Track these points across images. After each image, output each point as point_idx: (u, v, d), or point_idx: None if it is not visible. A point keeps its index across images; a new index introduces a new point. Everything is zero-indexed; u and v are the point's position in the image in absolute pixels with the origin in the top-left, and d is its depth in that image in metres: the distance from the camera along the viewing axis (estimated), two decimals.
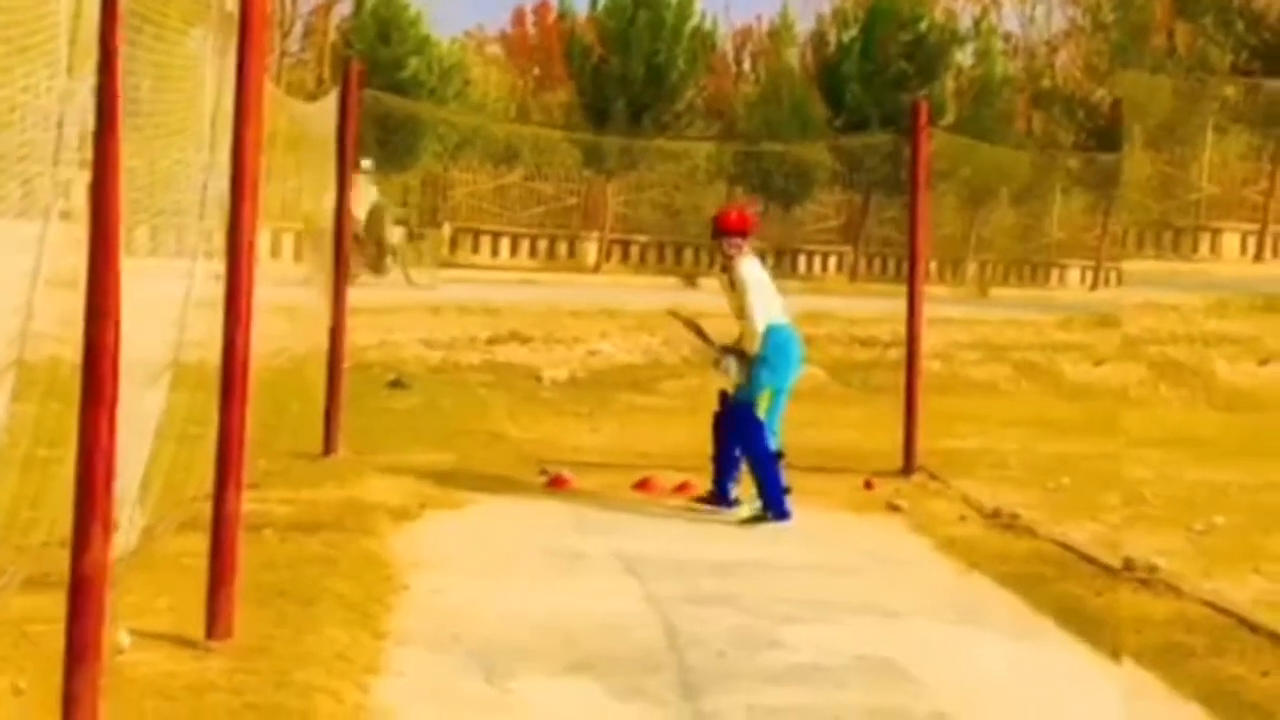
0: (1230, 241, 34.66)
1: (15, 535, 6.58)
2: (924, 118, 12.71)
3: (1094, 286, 36.85)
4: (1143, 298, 25.29)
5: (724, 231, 10.65)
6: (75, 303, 5.58)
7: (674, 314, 11.70)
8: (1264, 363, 19.39)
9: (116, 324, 5.52)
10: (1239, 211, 34.97)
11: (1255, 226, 34.37)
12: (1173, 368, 19.10)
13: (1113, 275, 37.05)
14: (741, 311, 10.46)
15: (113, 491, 5.57)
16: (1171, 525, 10.05)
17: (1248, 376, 18.87)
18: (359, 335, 13.81)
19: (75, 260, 5.57)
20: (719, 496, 10.60)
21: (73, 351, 5.59)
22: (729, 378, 10.57)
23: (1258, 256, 33.98)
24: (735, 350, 10.52)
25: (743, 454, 10.45)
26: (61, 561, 5.74)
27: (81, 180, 5.53)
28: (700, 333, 11.02)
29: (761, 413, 10.34)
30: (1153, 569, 8.51)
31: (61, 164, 5.57)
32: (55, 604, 5.78)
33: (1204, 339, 21.12)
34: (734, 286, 10.50)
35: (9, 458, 5.77)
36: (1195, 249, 34.24)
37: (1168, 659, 7.02)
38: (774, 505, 10.26)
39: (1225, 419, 16.23)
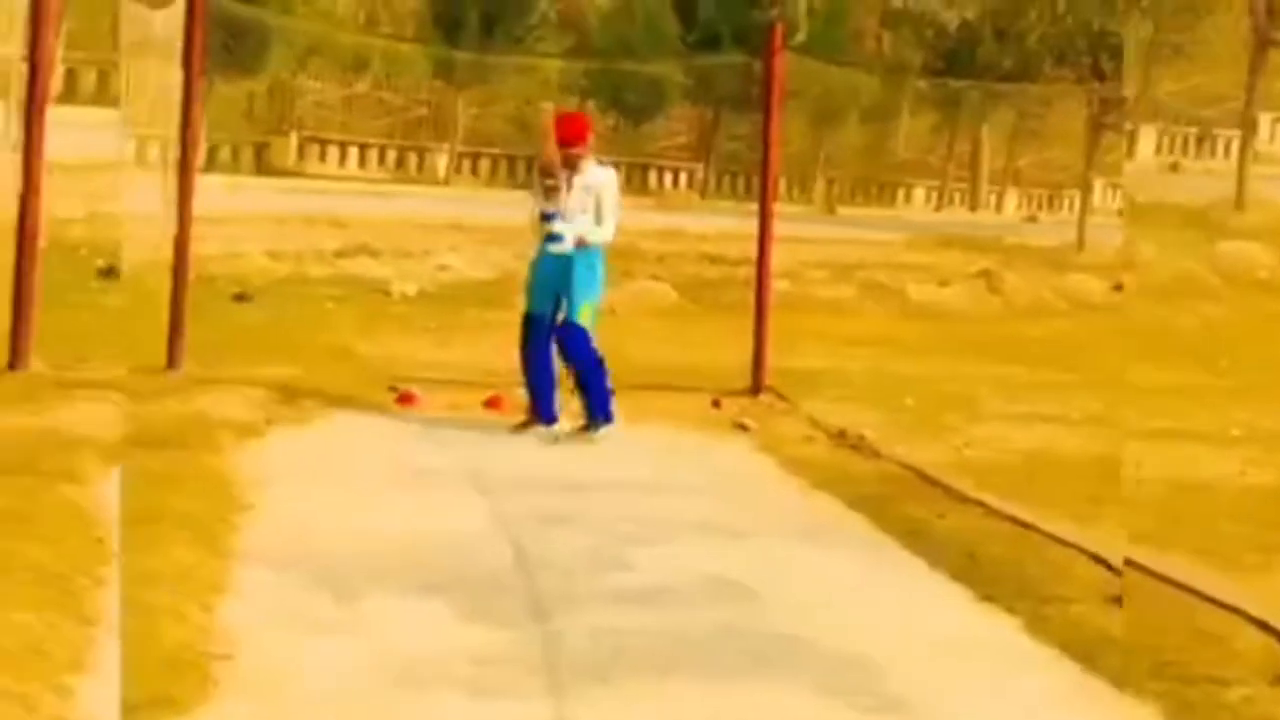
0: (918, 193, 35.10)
1: None
2: (779, 40, 12.73)
3: (939, 207, 37.29)
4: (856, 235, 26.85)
5: (569, 142, 10.37)
6: None
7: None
8: (944, 284, 21.47)
9: None
10: (925, 171, 35.62)
11: (937, 183, 35.02)
12: (878, 287, 20.87)
13: (956, 195, 37.49)
14: (594, 214, 10.30)
15: None
16: (877, 407, 11.69)
17: (931, 294, 20.84)
18: (202, 246, 13.54)
19: None
20: (544, 416, 10.48)
21: None
22: (569, 234, 10.26)
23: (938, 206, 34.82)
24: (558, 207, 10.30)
25: (576, 366, 10.37)
26: None
27: None
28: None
29: (587, 322, 10.32)
30: (861, 438, 10.47)
31: None
32: None
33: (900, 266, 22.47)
34: (586, 190, 10.30)
35: None
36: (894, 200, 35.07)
37: (875, 505, 8.59)
38: (604, 409, 10.26)
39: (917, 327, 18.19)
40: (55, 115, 10.34)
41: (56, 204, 11.16)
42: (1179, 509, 8.76)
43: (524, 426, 10.50)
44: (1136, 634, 6.28)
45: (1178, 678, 5.85)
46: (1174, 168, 34.36)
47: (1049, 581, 7.09)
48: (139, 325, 11.92)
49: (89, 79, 27.16)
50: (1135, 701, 5.72)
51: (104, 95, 24.40)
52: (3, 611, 5.52)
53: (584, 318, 10.35)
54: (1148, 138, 34.58)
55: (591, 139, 10.53)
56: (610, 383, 10.41)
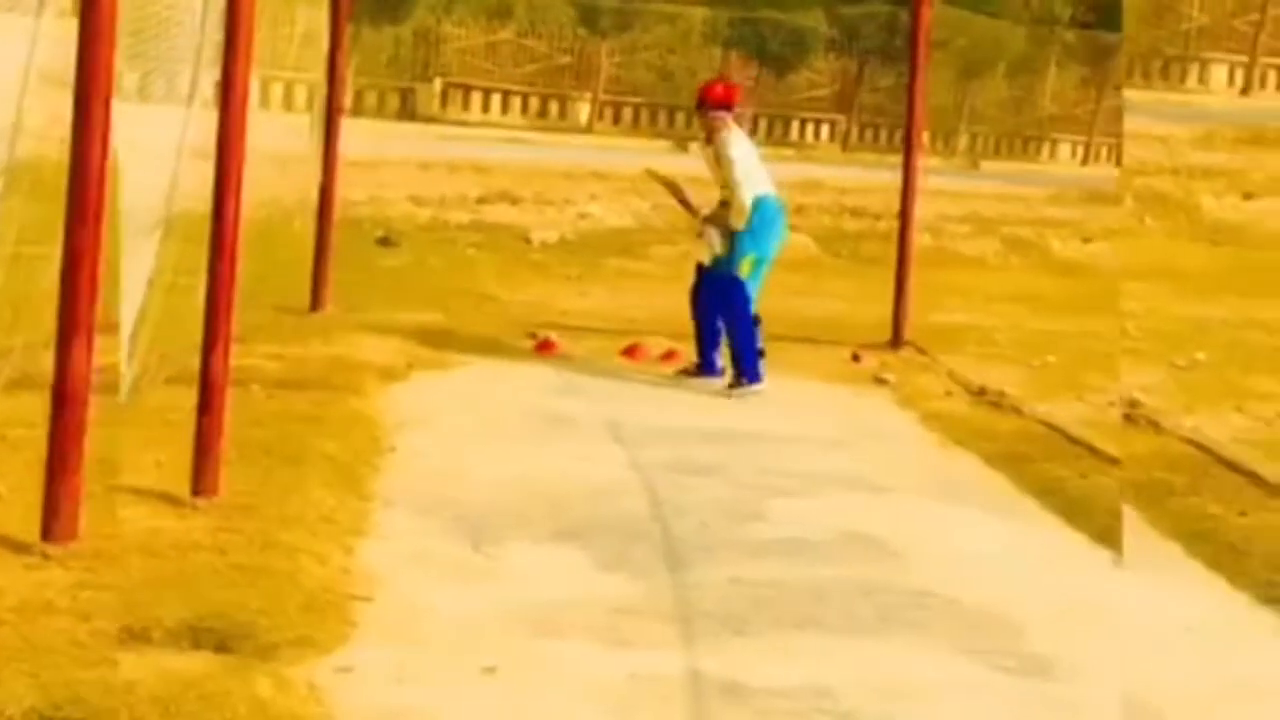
0: (1218, 73, 34.32)
1: None
2: None
3: (1085, 161, 36.68)
4: (1132, 128, 24.70)
5: (708, 104, 10.55)
6: (65, 101, 5.50)
7: (652, 173, 11.49)
8: (1249, 196, 19.12)
9: (105, 131, 5.48)
10: (1228, 42, 34.54)
11: (1244, 58, 34.05)
12: (1158, 200, 18.83)
13: (1104, 150, 36.85)
14: (726, 186, 10.40)
15: (96, 300, 5.56)
16: (1155, 360, 9.92)
17: (1233, 210, 18.63)
18: (348, 190, 13.66)
19: (67, 58, 5.49)
20: (705, 367, 10.58)
21: (58, 151, 5.52)
22: (710, 249, 10.49)
23: (1245, 89, 33.71)
24: (718, 222, 10.45)
25: (724, 318, 10.40)
26: (44, 362, 5.70)
27: None
28: (680, 196, 10.91)
29: (745, 275, 10.33)
30: (1134, 404, 8.40)
31: None
32: (37, 407, 5.75)
33: (1189, 172, 20.86)
34: (719, 161, 10.41)
35: None
36: (1184, 79, 33.93)
37: (1148, 496, 7.04)
38: (751, 369, 10.26)
39: (1060, 283, 16.11)
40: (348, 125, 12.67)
41: (347, 190, 13.34)
42: None
43: (687, 374, 10.57)
44: None
45: None
46: None
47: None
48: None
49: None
50: None
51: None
52: (304, 490, 6.82)
53: (743, 270, 10.33)
54: None
55: (727, 107, 10.54)
56: (761, 343, 10.37)
